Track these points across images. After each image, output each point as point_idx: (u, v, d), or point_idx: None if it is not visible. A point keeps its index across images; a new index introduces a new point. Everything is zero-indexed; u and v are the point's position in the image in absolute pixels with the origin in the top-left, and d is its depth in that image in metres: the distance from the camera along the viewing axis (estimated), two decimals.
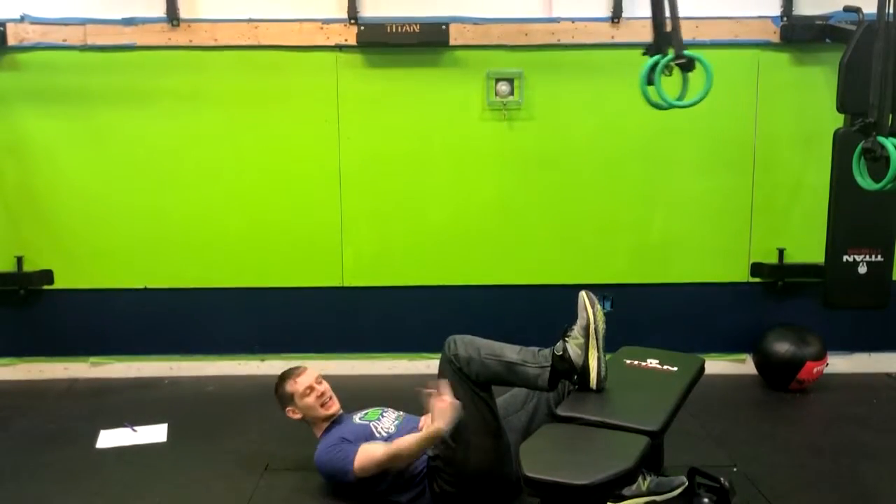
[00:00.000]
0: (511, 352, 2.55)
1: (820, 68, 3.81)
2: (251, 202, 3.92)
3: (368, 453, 2.58)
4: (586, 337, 2.50)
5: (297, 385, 2.80)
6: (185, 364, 4.05)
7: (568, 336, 2.51)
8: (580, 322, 2.52)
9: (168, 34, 3.76)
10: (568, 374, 2.51)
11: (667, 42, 2.98)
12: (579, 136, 3.89)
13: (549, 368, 2.48)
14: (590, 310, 2.52)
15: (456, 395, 2.47)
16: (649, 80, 2.97)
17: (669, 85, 2.99)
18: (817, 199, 3.62)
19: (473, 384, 2.50)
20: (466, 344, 2.54)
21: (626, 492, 2.23)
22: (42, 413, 3.56)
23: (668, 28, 2.98)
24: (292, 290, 3.99)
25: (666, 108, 3.02)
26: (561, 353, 2.49)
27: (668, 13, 2.97)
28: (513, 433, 2.64)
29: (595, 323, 2.50)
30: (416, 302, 3.99)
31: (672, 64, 2.94)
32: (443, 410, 2.45)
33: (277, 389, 2.86)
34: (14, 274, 3.89)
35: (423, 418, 2.75)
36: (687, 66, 2.95)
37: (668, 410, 2.38)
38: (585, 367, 2.49)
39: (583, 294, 2.57)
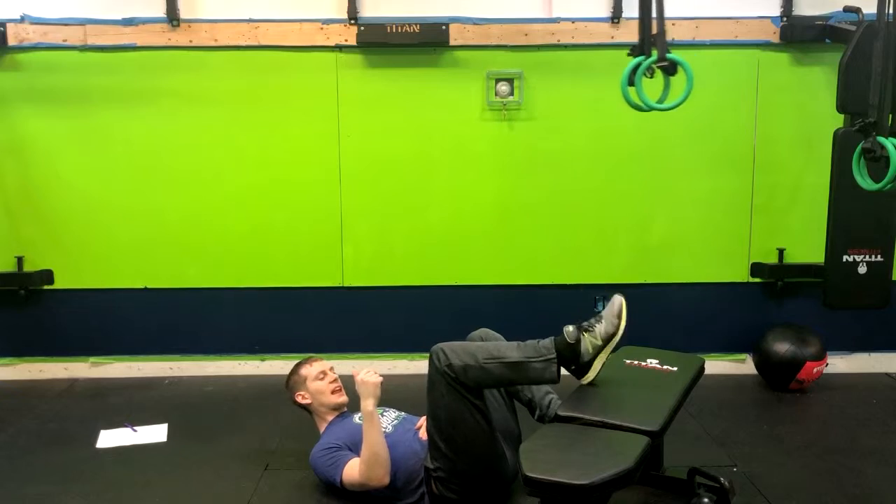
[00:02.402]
0: (511, 350, 2.48)
1: (820, 68, 3.81)
2: (251, 202, 3.92)
3: (351, 472, 2.60)
4: (606, 343, 2.46)
5: (312, 368, 2.90)
6: (185, 364, 4.05)
7: (588, 331, 2.46)
8: (607, 327, 2.45)
9: (168, 34, 3.76)
10: (569, 361, 2.47)
11: (651, 44, 2.99)
12: (579, 137, 3.89)
13: (555, 361, 2.43)
14: (623, 322, 2.46)
15: (448, 408, 2.45)
16: (630, 81, 2.98)
17: (654, 87, 3.00)
18: (817, 199, 3.63)
19: (468, 392, 2.43)
20: (457, 352, 2.45)
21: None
22: (42, 413, 3.56)
23: (654, 31, 2.98)
24: (292, 290, 3.99)
25: (646, 111, 3.03)
26: (574, 342, 2.44)
27: (654, 15, 2.97)
28: (501, 432, 2.63)
29: (619, 336, 2.47)
30: (416, 302, 3.99)
31: (654, 66, 2.95)
32: (361, 385, 2.61)
33: (290, 376, 2.94)
34: (14, 274, 3.89)
35: (421, 419, 2.76)
36: (669, 69, 2.96)
37: (668, 410, 2.37)
38: (588, 365, 2.47)
39: (621, 301, 2.48)
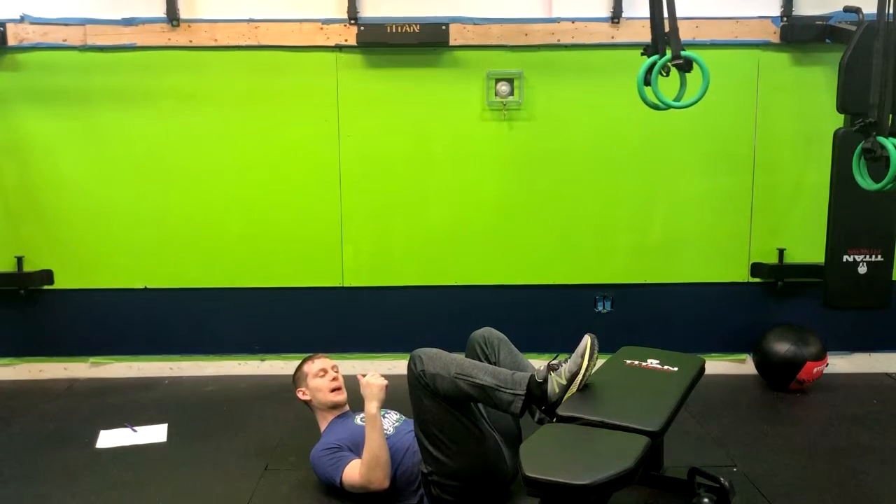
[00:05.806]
0: (484, 374, 2.46)
1: (820, 68, 3.81)
2: (251, 202, 3.92)
3: (352, 474, 2.60)
4: (570, 383, 2.40)
5: (314, 365, 2.92)
6: (185, 364, 4.05)
7: (555, 371, 2.43)
8: (571, 366, 2.42)
9: (168, 34, 3.76)
10: (538, 400, 2.45)
11: (665, 43, 2.99)
12: (579, 136, 3.89)
13: (523, 397, 2.41)
14: (586, 361, 2.41)
15: (430, 411, 2.47)
16: (646, 81, 2.98)
17: (669, 85, 3.00)
18: (817, 199, 3.63)
19: (443, 398, 2.45)
20: (433, 359, 2.47)
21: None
22: (42, 413, 3.56)
23: (667, 29, 2.98)
24: (292, 290, 3.99)
25: (664, 109, 3.03)
26: (541, 381, 2.42)
27: (666, 13, 2.98)
28: (500, 431, 2.64)
29: (585, 376, 2.41)
30: (416, 302, 3.99)
31: (669, 65, 2.95)
32: (366, 387, 2.65)
33: (295, 371, 2.97)
34: (14, 274, 3.89)
35: None
36: (684, 66, 2.96)
37: (668, 410, 2.37)
38: (556, 405, 2.41)
39: (587, 341, 2.44)
